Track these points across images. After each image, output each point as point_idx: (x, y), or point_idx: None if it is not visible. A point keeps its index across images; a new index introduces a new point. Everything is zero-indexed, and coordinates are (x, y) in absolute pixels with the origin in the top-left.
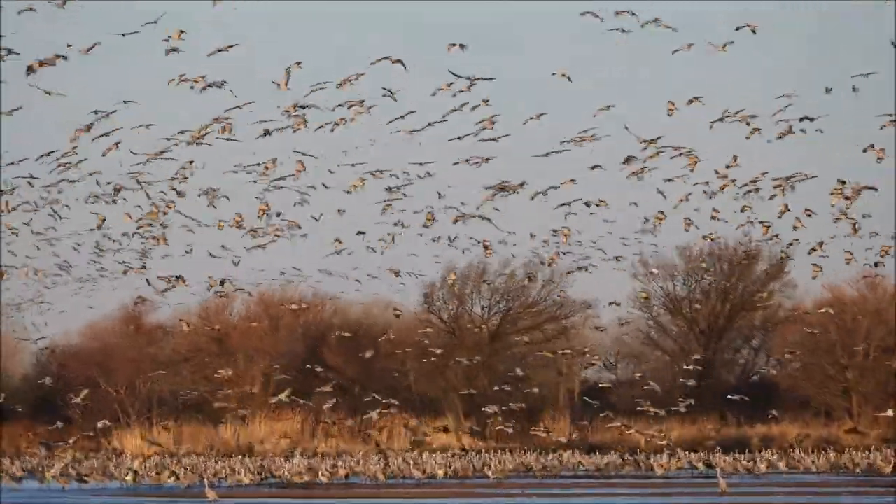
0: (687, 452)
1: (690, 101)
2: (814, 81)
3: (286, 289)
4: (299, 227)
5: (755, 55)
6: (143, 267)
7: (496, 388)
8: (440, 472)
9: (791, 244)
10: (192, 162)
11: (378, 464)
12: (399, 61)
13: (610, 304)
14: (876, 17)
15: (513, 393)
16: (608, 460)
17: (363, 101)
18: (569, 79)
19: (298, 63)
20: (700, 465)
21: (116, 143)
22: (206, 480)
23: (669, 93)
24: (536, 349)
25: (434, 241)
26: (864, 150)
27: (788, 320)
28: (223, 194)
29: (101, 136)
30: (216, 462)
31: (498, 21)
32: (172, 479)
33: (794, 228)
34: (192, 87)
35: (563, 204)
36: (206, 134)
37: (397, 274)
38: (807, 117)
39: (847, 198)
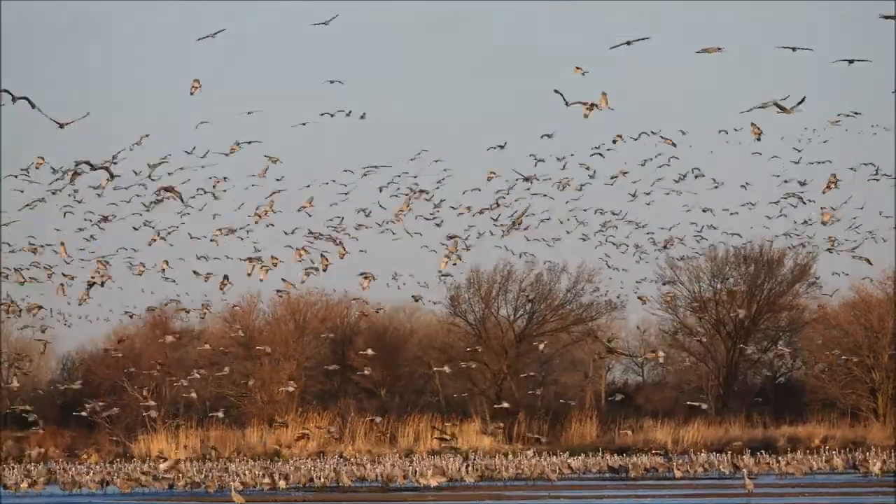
0: (714, 453)
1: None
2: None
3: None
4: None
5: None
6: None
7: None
8: (467, 476)
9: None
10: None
11: (405, 467)
12: None
13: (639, 298)
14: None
15: (540, 395)
16: (631, 462)
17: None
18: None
19: None
20: (721, 468)
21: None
22: (232, 484)
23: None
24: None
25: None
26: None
27: (815, 321)
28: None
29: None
30: (243, 466)
31: None
32: (198, 483)
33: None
34: None
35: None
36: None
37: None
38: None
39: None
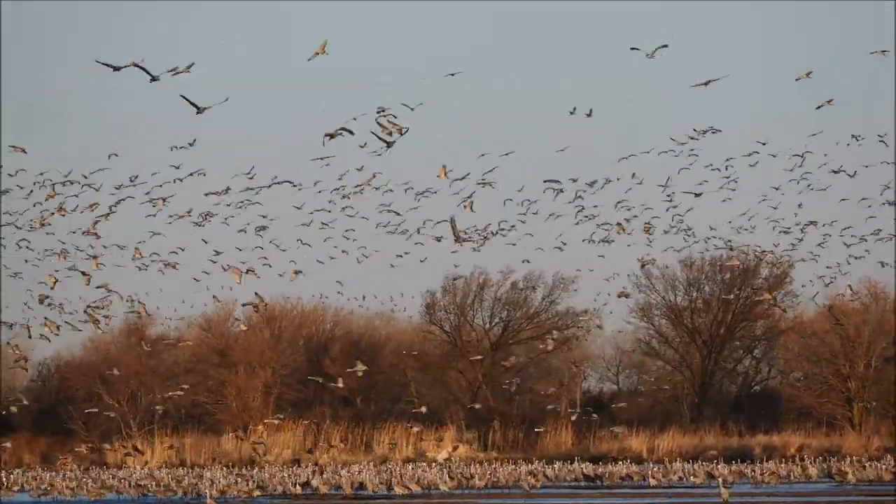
0: (689, 462)
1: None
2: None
3: (287, 301)
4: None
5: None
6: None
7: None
8: (442, 485)
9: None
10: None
11: (378, 475)
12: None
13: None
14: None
15: (515, 403)
16: (605, 470)
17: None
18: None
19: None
20: (696, 476)
21: None
22: (207, 492)
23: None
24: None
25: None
26: None
27: (791, 330)
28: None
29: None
30: (218, 473)
31: None
32: (174, 491)
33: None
34: None
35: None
36: None
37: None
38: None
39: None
